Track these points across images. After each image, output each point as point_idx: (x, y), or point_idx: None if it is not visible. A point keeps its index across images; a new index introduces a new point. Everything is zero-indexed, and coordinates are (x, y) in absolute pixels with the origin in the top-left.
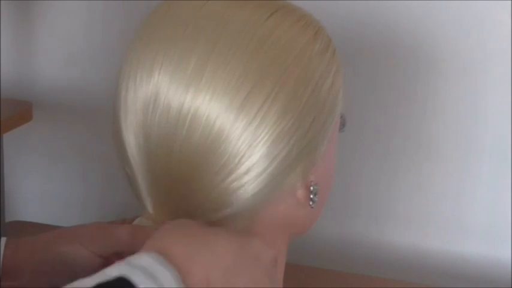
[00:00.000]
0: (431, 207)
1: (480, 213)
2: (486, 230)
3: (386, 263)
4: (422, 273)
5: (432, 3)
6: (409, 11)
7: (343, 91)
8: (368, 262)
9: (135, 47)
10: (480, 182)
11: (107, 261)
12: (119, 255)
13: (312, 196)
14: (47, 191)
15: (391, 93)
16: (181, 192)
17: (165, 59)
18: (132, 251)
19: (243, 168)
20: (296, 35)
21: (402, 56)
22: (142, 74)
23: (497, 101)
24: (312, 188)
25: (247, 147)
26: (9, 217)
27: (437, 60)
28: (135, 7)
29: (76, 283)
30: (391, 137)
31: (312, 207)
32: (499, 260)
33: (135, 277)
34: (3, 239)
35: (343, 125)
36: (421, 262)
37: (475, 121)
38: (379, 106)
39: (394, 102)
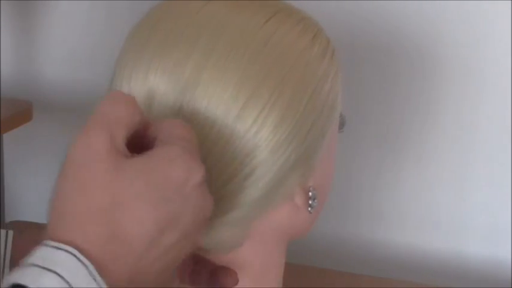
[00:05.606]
0: (432, 207)
1: (480, 213)
2: (486, 230)
3: (386, 263)
4: (422, 273)
5: (432, 5)
6: (409, 12)
7: (342, 93)
8: (368, 262)
9: (129, 49)
10: (480, 182)
11: None
12: None
13: (310, 202)
14: (47, 191)
15: (392, 95)
16: None
17: (160, 64)
18: None
19: (240, 176)
20: (294, 40)
21: (402, 57)
22: (137, 78)
23: (497, 102)
24: (310, 193)
25: (244, 155)
26: (9, 217)
27: (437, 62)
28: (136, 7)
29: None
30: (391, 137)
31: (310, 212)
32: (499, 260)
33: None
34: (10, 232)
35: (342, 124)
36: (421, 262)
37: (475, 122)
38: (379, 107)
39: (395, 103)
